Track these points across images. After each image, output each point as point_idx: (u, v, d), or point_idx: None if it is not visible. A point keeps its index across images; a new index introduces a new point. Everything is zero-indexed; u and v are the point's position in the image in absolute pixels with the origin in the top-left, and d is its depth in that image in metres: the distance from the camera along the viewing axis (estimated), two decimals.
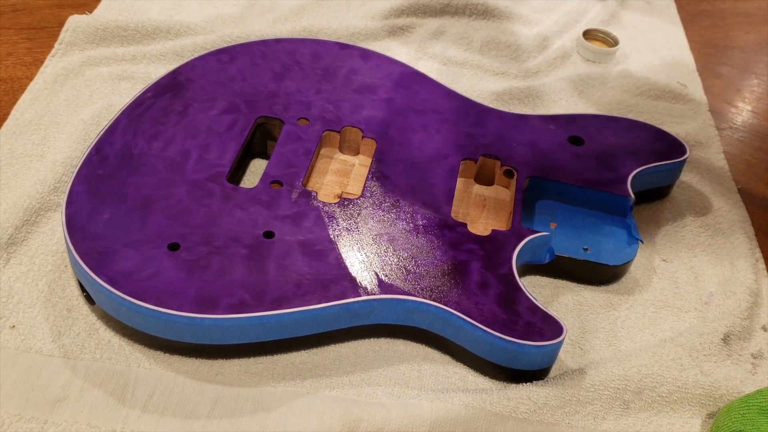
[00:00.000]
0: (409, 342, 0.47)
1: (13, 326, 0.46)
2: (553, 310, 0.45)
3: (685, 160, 0.56)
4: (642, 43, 0.75)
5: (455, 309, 0.44)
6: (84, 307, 0.47)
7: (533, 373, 0.45)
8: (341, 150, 0.57)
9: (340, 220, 0.48)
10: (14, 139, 0.57)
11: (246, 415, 0.43)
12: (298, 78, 0.58)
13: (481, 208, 0.54)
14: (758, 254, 0.55)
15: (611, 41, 0.73)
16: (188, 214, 0.47)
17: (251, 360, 0.45)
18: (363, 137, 0.55)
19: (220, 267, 0.44)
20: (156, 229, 0.46)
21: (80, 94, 0.62)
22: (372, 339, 0.47)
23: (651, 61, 0.73)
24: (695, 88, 0.70)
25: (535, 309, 0.44)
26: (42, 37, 0.68)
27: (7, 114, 0.59)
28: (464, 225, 0.49)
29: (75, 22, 0.67)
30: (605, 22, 0.77)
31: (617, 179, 0.53)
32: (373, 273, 0.45)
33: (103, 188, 0.48)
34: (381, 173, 0.52)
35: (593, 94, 0.68)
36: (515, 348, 0.43)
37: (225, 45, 0.63)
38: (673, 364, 0.46)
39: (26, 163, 0.55)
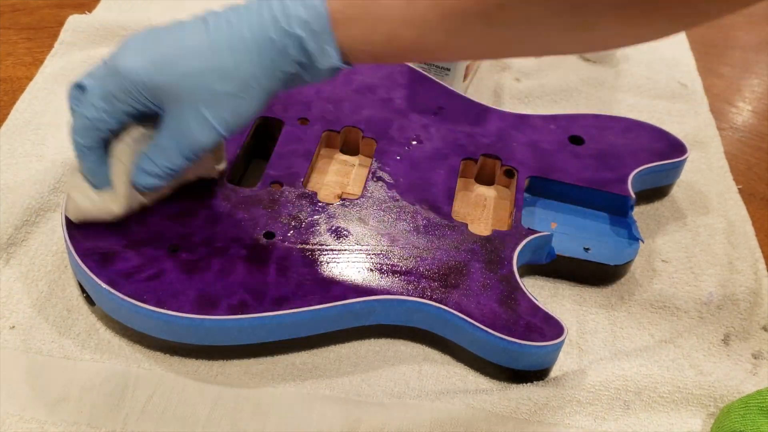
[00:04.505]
0: (409, 342, 0.47)
1: (13, 326, 0.46)
2: (553, 311, 0.45)
3: (685, 159, 0.56)
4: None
5: (456, 309, 0.44)
6: (84, 308, 0.47)
7: (534, 374, 0.45)
8: (341, 150, 0.56)
9: (340, 220, 0.48)
10: (14, 139, 0.57)
11: (246, 415, 0.43)
12: None
13: (482, 208, 0.54)
14: (758, 254, 0.55)
15: None
16: (188, 215, 0.47)
17: (251, 361, 0.45)
18: (363, 137, 0.55)
19: (220, 268, 0.44)
20: (156, 230, 0.46)
21: None
22: (372, 339, 0.47)
23: (651, 60, 0.73)
24: (695, 88, 0.70)
25: (535, 309, 0.44)
26: (42, 37, 0.68)
27: (7, 114, 0.59)
28: (465, 225, 0.49)
29: (75, 21, 0.67)
30: None
31: (618, 179, 0.53)
32: (373, 273, 0.45)
33: None
34: (381, 173, 0.52)
35: (593, 94, 0.68)
36: (516, 348, 0.43)
37: None
38: (673, 365, 0.46)
39: (26, 164, 0.55)
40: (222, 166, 0.49)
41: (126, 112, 0.41)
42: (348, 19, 0.38)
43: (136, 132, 0.43)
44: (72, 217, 0.45)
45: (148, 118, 0.42)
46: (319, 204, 0.49)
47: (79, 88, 0.41)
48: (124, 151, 0.43)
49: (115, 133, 0.42)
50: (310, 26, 0.39)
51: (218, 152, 0.48)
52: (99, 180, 0.43)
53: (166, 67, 0.39)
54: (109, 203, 0.44)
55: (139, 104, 0.40)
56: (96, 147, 0.42)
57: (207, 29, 0.40)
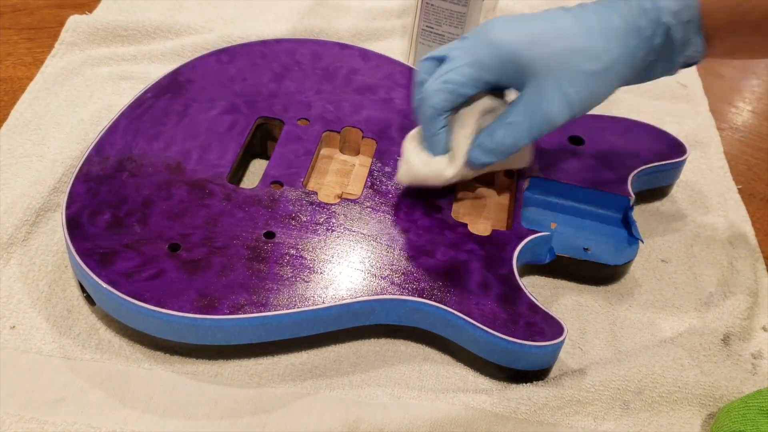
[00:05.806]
0: (409, 342, 0.47)
1: (13, 326, 0.46)
2: (553, 311, 0.45)
3: (685, 160, 0.56)
4: None
5: (456, 309, 0.44)
6: (84, 308, 0.47)
7: (533, 374, 0.45)
8: (341, 150, 0.57)
9: (340, 220, 0.48)
10: (14, 139, 0.57)
11: (246, 415, 0.43)
12: (298, 78, 0.58)
13: (482, 208, 0.54)
14: (758, 254, 0.55)
15: None
16: (188, 214, 0.47)
17: (251, 361, 0.45)
18: (363, 137, 0.55)
19: (220, 268, 0.44)
20: (156, 230, 0.46)
21: (80, 94, 0.62)
22: (372, 339, 0.47)
23: None
24: (695, 88, 0.70)
25: (535, 309, 0.44)
26: (42, 37, 0.68)
27: (7, 114, 0.59)
28: (464, 225, 0.49)
29: (75, 22, 0.67)
30: None
31: (617, 179, 0.53)
32: (373, 273, 0.45)
33: (103, 188, 0.48)
34: (381, 173, 0.52)
35: None
36: (516, 348, 0.43)
37: (225, 45, 0.63)
38: (673, 365, 0.46)
39: (26, 163, 0.55)
40: (529, 160, 0.51)
41: (487, 81, 0.44)
42: (717, 10, 0.41)
43: (486, 102, 0.46)
44: (404, 180, 0.49)
45: (498, 93, 0.46)
46: (320, 204, 0.49)
47: (434, 60, 0.45)
48: (470, 116, 0.46)
49: (466, 102, 0.45)
50: (679, 16, 0.41)
51: (531, 147, 0.51)
52: (437, 146, 0.47)
53: (539, 43, 0.42)
54: (443, 168, 0.47)
55: (504, 75, 0.43)
56: (446, 112, 0.45)
57: (576, 16, 0.43)
